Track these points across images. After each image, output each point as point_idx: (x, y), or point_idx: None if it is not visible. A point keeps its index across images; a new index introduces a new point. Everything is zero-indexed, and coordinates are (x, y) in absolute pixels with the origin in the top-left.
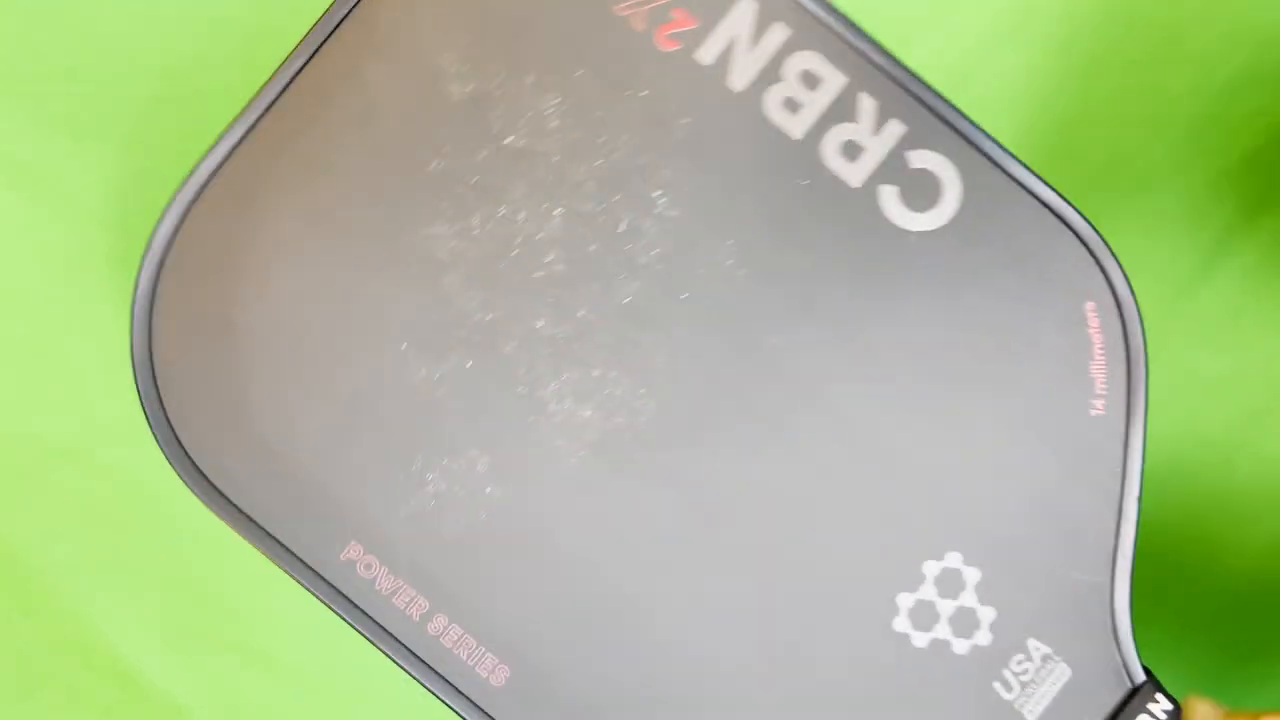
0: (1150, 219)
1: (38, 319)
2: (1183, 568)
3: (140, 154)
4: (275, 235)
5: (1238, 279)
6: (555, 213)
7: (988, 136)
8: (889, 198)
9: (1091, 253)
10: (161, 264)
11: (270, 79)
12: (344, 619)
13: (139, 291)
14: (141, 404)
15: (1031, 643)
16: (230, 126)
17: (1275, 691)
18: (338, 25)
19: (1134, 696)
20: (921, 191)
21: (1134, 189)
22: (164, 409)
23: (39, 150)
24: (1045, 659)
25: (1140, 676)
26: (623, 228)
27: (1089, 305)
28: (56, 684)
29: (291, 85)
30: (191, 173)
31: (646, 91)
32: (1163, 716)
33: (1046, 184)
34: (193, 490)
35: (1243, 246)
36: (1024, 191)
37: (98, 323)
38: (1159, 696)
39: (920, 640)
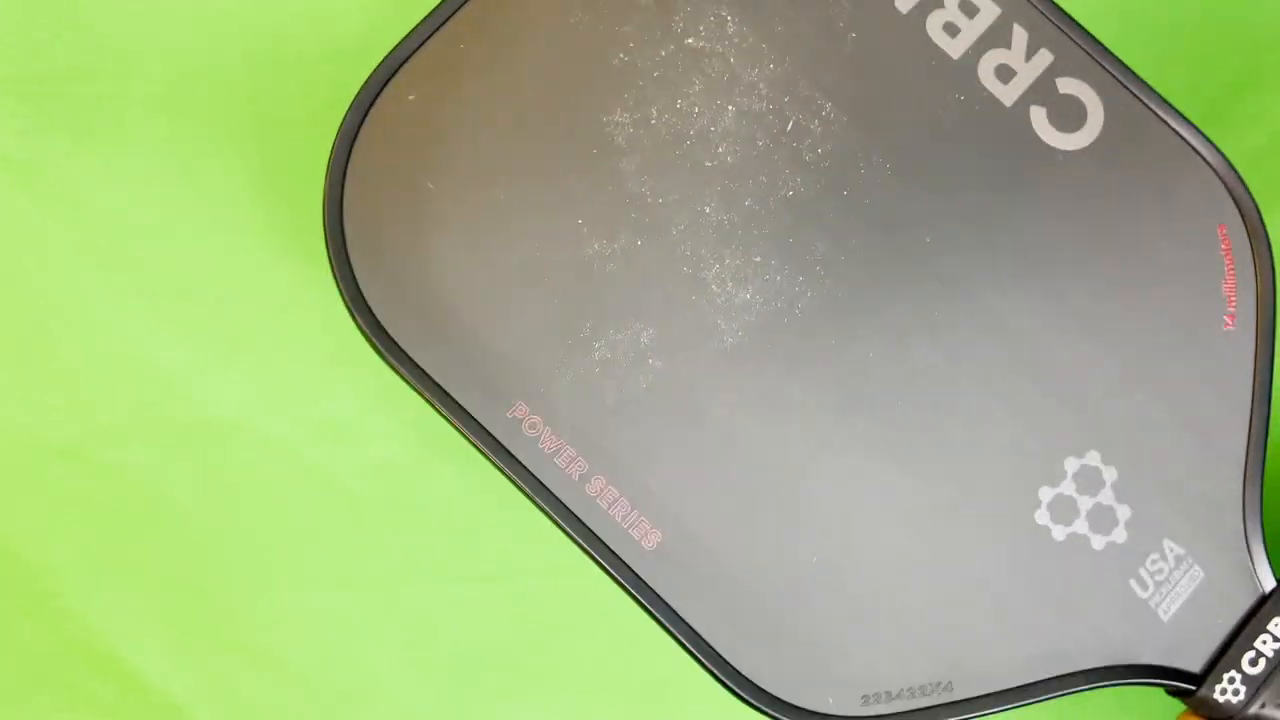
0: None
1: (38, 319)
2: None
3: (139, 154)
4: (467, 112)
5: None
6: (728, 109)
7: (1128, 69)
8: (1038, 117)
9: (1223, 180)
10: (356, 133)
11: None
12: (506, 474)
13: (334, 155)
14: (330, 259)
15: (1166, 543)
16: (430, 13)
17: None
18: None
19: (1265, 602)
20: (1067, 114)
21: None
22: (350, 265)
23: (39, 150)
24: (1179, 560)
25: (1271, 583)
26: (790, 127)
27: (1221, 227)
28: (56, 684)
29: None
30: (389, 54)
31: (819, 9)
32: None
33: (1181, 115)
34: (372, 342)
35: None
36: (1160, 120)
37: (99, 323)
38: None
39: (1060, 534)
